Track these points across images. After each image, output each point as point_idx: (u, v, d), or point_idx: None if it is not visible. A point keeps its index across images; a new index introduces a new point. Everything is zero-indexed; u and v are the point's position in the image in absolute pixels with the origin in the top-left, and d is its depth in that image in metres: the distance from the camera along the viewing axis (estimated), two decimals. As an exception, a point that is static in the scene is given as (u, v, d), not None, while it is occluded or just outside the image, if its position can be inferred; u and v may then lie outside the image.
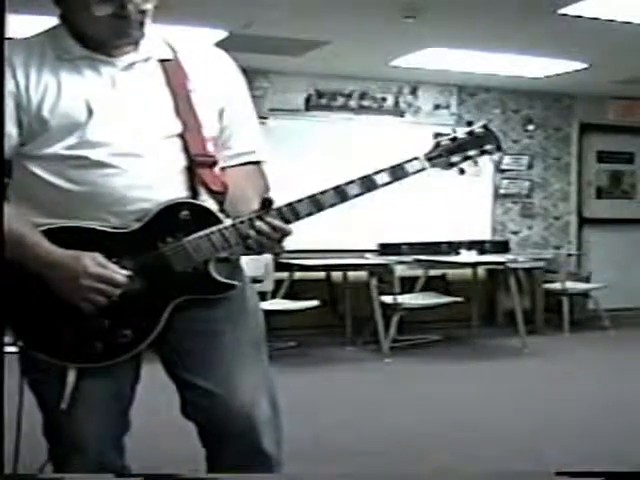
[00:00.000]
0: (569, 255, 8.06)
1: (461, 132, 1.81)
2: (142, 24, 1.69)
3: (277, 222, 1.69)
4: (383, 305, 6.21)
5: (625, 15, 5.10)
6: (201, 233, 1.69)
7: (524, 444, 3.70)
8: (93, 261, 1.63)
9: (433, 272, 7.09)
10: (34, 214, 1.69)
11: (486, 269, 7.43)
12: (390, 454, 3.54)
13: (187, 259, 1.69)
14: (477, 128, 1.82)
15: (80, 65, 1.70)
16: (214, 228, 1.70)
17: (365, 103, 7.45)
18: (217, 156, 1.81)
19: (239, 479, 1.81)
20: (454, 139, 1.81)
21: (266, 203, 1.69)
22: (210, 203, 1.75)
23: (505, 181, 7.92)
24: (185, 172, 1.74)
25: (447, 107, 7.77)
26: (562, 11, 5.01)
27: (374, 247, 7.09)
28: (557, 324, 7.18)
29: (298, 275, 6.35)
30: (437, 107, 7.74)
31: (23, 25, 5.25)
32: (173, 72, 1.76)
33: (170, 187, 1.72)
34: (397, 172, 1.76)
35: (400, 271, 6.43)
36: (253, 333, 1.86)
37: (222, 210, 1.77)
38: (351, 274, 6.67)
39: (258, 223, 1.68)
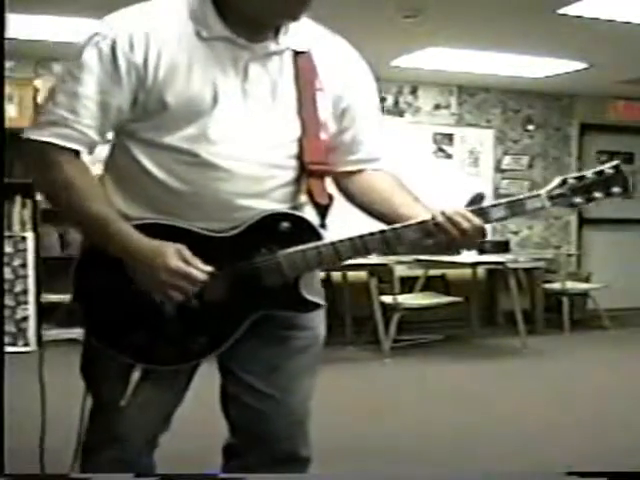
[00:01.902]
0: (569, 255, 8.06)
1: (590, 172, 1.67)
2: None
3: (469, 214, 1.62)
4: (383, 305, 6.21)
5: (625, 15, 5.10)
6: (298, 248, 1.60)
7: (524, 444, 3.69)
8: (176, 255, 1.54)
9: (433, 272, 7.08)
10: (128, 203, 1.62)
11: (486, 269, 7.43)
12: (390, 454, 3.54)
13: (279, 273, 1.61)
14: (607, 168, 1.67)
15: (217, 47, 1.57)
16: (312, 245, 1.61)
17: (365, 103, 7.44)
18: (331, 161, 1.71)
19: (266, 479, 1.80)
20: (581, 178, 1.66)
21: (477, 198, 1.64)
22: (312, 216, 1.66)
23: (505, 181, 7.92)
24: (294, 182, 1.67)
25: (447, 107, 7.77)
26: (562, 11, 5.01)
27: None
28: (557, 324, 7.17)
29: (298, 275, 6.34)
30: (437, 107, 7.74)
31: (23, 25, 5.27)
32: (304, 67, 1.65)
33: (277, 197, 1.65)
34: (515, 207, 1.65)
35: (400, 271, 6.42)
36: (318, 341, 1.82)
37: (323, 224, 1.67)
38: (351, 274, 6.67)
39: (457, 218, 1.60)
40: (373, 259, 6.65)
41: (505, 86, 7.73)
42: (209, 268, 1.57)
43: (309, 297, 1.67)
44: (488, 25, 5.44)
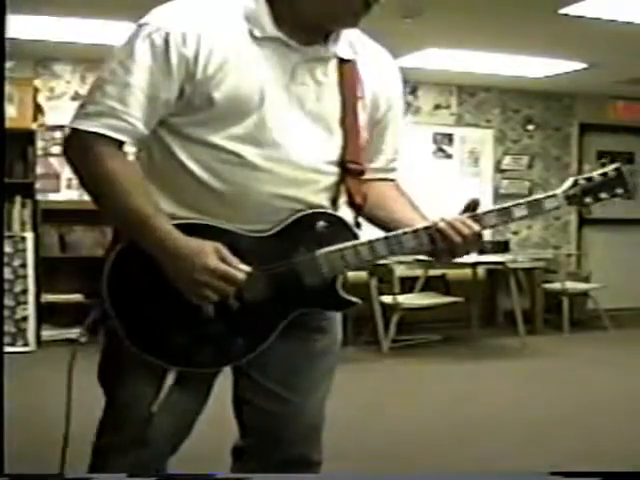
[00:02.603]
0: (569, 255, 8.06)
1: (595, 174, 1.75)
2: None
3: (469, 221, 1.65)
4: (383, 305, 6.21)
5: (626, 15, 5.09)
6: (336, 247, 1.61)
7: (524, 444, 3.69)
8: (215, 254, 1.52)
9: (433, 272, 7.08)
10: (161, 200, 1.59)
11: (486, 269, 7.43)
12: (390, 454, 3.54)
13: (317, 272, 1.61)
14: (610, 170, 1.76)
15: (268, 48, 1.57)
16: (349, 243, 1.62)
17: (365, 103, 7.44)
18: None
19: (271, 478, 1.79)
20: (590, 179, 1.74)
21: (471, 206, 1.66)
22: (347, 215, 1.67)
23: (505, 181, 7.92)
24: (334, 186, 1.67)
25: (447, 107, 7.77)
26: (563, 11, 5.01)
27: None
28: (557, 324, 7.17)
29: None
30: (437, 107, 7.74)
31: (23, 25, 5.26)
32: (348, 75, 1.66)
33: (316, 201, 1.64)
34: (534, 207, 1.71)
35: (400, 271, 6.42)
36: (336, 345, 1.81)
37: (357, 223, 1.69)
38: (351, 274, 6.61)
39: (458, 224, 1.62)
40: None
41: (505, 86, 7.73)
42: (248, 268, 1.55)
43: (345, 295, 1.67)
44: (488, 25, 5.44)
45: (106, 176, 1.53)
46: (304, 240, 1.61)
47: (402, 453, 3.57)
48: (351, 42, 1.68)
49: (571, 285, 7.29)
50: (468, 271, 7.08)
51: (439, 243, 1.64)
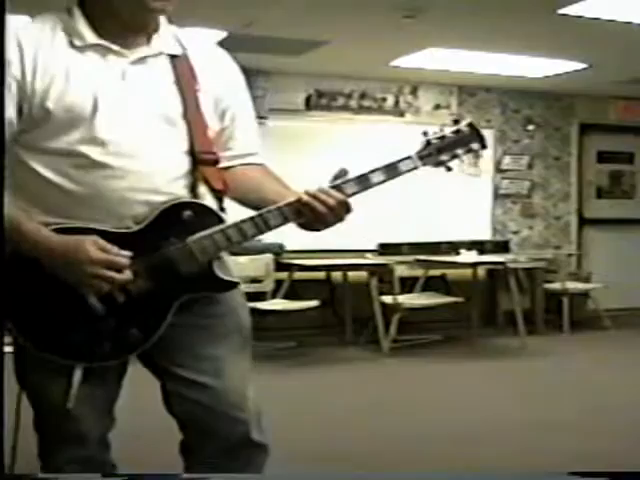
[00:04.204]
0: (569, 255, 8.06)
1: (449, 130, 1.83)
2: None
3: (333, 192, 1.72)
4: (383, 305, 6.21)
5: (626, 15, 5.10)
6: (204, 233, 1.70)
7: (524, 444, 3.69)
8: (94, 246, 1.62)
9: (433, 272, 7.08)
10: (32, 212, 1.66)
11: (486, 269, 7.43)
12: (389, 454, 3.54)
13: (191, 259, 1.69)
14: (463, 127, 1.83)
15: (91, 54, 1.68)
16: (217, 228, 1.70)
17: (365, 103, 7.45)
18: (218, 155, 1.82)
19: (232, 479, 1.80)
20: (442, 137, 1.82)
21: (340, 174, 1.73)
22: (211, 202, 1.76)
23: (505, 181, 7.92)
24: (188, 174, 1.74)
25: (447, 107, 7.77)
26: (562, 11, 5.01)
27: (374, 247, 7.09)
28: (557, 324, 7.18)
29: (298, 275, 6.36)
30: (437, 107, 7.74)
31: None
32: (182, 70, 1.75)
33: (172, 190, 1.71)
34: (391, 171, 1.77)
35: (400, 271, 6.43)
36: (240, 325, 1.86)
37: (222, 208, 1.78)
38: (351, 274, 6.67)
39: (322, 195, 1.70)
40: (373, 259, 6.67)
41: (505, 86, 7.73)
42: (128, 252, 1.64)
43: (225, 277, 1.76)
44: (488, 25, 5.44)
45: None
46: (173, 230, 1.69)
47: (402, 453, 3.56)
48: (178, 38, 1.78)
49: (571, 285, 7.29)
50: (468, 271, 7.09)
51: (307, 215, 1.72)
